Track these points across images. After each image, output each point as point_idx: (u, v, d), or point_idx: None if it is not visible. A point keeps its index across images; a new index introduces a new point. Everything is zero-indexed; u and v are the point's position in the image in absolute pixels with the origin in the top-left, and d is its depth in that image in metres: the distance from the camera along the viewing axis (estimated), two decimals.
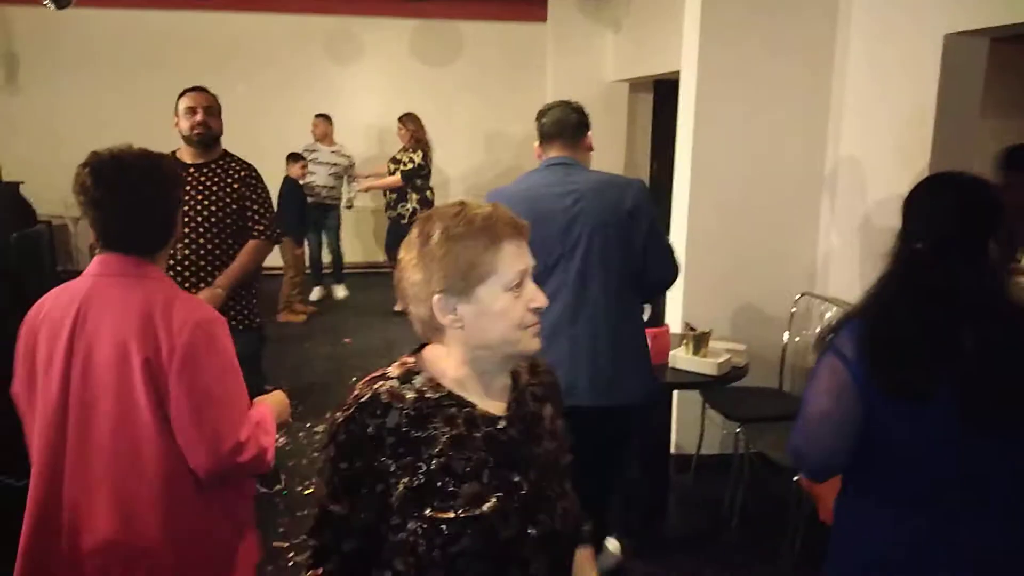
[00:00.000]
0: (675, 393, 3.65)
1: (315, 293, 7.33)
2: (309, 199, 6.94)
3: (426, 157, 6.51)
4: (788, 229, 3.77)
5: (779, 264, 3.77)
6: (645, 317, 3.02)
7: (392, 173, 6.57)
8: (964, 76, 3.05)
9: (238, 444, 1.56)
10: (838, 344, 1.56)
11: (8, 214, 4.73)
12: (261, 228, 3.11)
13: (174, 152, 2.95)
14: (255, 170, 3.16)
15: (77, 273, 1.70)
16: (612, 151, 6.71)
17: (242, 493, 1.75)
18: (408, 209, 6.51)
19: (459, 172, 8.73)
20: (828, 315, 3.50)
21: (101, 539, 1.57)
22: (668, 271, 2.58)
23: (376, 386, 1.22)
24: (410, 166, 6.44)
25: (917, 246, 1.56)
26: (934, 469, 1.54)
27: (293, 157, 6.79)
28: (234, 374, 1.62)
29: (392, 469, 1.17)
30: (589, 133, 2.62)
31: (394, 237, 6.71)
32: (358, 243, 8.50)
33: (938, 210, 1.58)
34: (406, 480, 1.17)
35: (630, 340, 2.53)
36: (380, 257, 6.96)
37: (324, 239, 7.22)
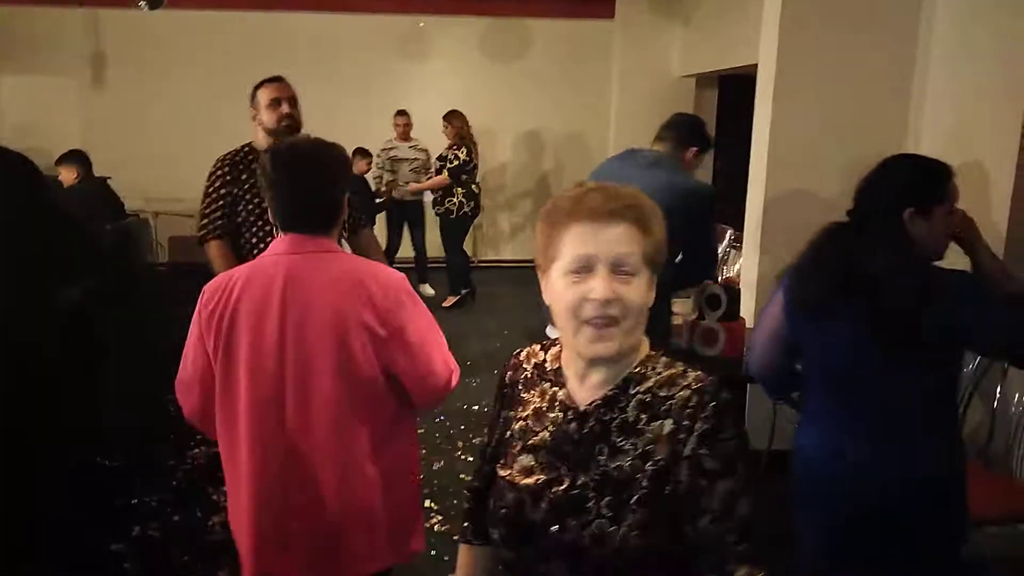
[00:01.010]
0: (748, 387, 3.64)
1: None
2: (394, 196, 6.96)
3: (470, 153, 6.60)
4: None
5: None
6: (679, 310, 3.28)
7: (439, 171, 6.67)
8: None
9: (451, 375, 1.87)
10: (784, 281, 2.04)
11: (101, 207, 4.97)
12: (363, 218, 3.19)
13: (248, 144, 2.95)
14: None
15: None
16: None
17: (413, 425, 1.98)
18: (455, 204, 6.60)
19: (524, 166, 8.81)
20: None
21: (332, 485, 1.74)
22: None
23: (526, 346, 1.37)
24: (456, 163, 6.54)
25: (842, 219, 1.96)
26: (834, 382, 1.92)
27: (360, 152, 6.88)
28: (432, 318, 1.87)
29: (500, 415, 1.36)
30: (692, 151, 2.92)
31: (447, 231, 6.81)
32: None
33: (864, 188, 1.95)
34: (500, 430, 1.35)
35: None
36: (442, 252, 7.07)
37: (409, 237, 7.20)
